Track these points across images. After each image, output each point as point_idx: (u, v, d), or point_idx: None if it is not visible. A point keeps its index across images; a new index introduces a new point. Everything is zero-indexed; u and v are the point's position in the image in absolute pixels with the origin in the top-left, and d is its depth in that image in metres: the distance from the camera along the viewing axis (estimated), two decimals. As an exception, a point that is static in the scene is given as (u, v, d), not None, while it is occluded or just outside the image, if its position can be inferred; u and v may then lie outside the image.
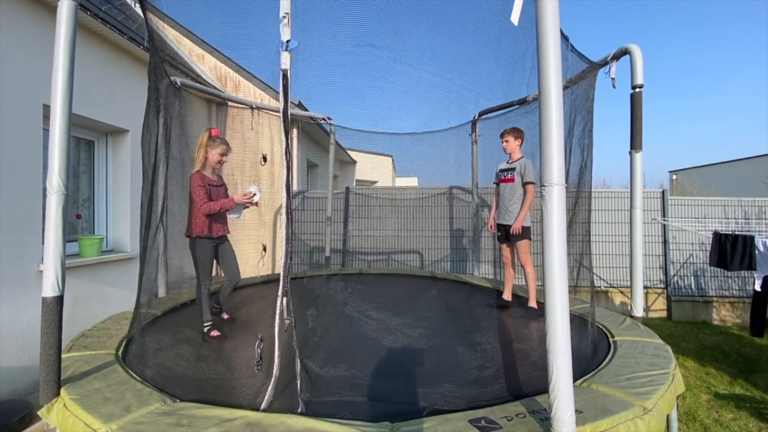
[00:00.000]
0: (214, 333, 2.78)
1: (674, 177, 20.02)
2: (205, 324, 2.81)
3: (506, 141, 3.56)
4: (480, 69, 3.18)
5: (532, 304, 3.43)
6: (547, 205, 1.39)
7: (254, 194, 2.86)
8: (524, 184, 3.43)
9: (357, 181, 12.39)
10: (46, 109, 3.22)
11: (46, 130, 3.23)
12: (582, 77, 2.98)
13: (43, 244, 3.22)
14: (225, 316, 3.15)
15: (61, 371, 1.82)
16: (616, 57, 2.91)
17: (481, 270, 5.61)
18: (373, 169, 12.94)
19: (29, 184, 3.16)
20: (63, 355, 1.89)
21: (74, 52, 1.83)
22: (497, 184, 3.72)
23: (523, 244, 3.45)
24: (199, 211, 2.76)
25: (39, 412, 1.72)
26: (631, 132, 2.87)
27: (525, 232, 3.44)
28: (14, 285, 3.03)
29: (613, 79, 2.95)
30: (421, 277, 5.13)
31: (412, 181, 10.72)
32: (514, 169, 3.51)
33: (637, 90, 2.84)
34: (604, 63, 2.94)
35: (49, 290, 1.75)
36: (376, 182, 12.89)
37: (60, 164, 1.78)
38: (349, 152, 10.51)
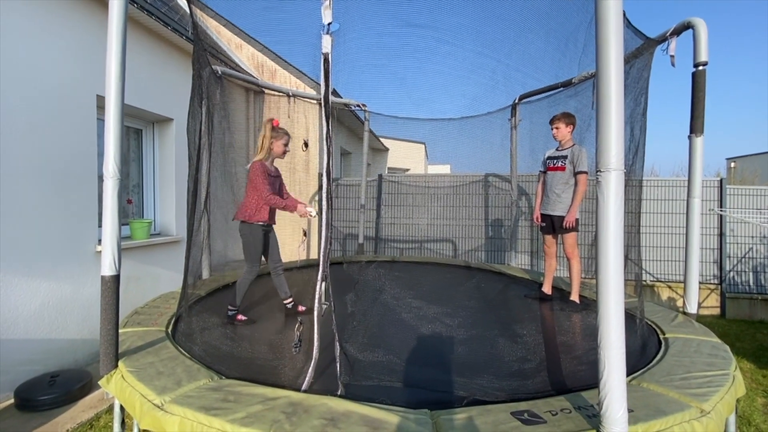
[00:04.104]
0: (240, 317, 2.84)
1: (732, 164, 18.60)
2: (231, 308, 2.84)
3: (556, 128, 3.34)
4: (529, 47, 2.98)
5: (575, 298, 3.29)
6: (603, 193, 1.30)
7: (312, 213, 2.90)
8: (576, 174, 3.24)
9: (389, 168, 12.34)
10: (100, 100, 3.40)
11: (100, 120, 3.41)
12: (637, 55, 2.77)
13: (99, 226, 3.45)
14: (301, 308, 3.11)
15: (119, 345, 1.95)
16: (677, 32, 2.68)
17: (517, 260, 5.46)
18: (405, 156, 12.83)
19: (85, 170, 3.36)
20: (119, 330, 2.02)
21: (125, 44, 1.89)
22: (544, 172, 3.53)
23: (571, 236, 3.29)
24: (262, 200, 2.81)
25: (99, 382, 1.86)
26: (691, 114, 2.65)
27: (574, 224, 3.28)
28: (74, 264, 3.26)
29: (672, 56, 2.72)
30: (455, 266, 5.07)
31: (444, 169, 10.53)
32: (565, 157, 3.30)
33: (701, 68, 2.61)
34: (663, 39, 2.70)
35: (107, 269, 1.86)
36: (408, 170, 12.79)
37: (115, 151, 1.87)
38: (381, 139, 10.46)
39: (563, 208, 3.30)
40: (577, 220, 3.28)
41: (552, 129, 3.38)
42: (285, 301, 3.07)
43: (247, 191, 2.90)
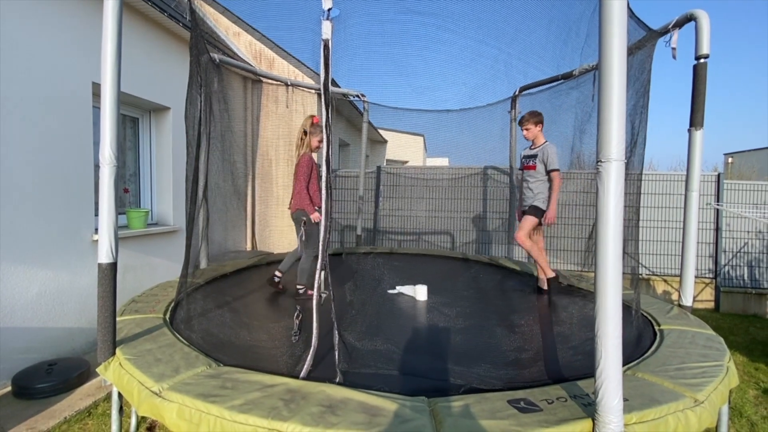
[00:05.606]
0: (310, 292, 2.98)
1: (730, 160, 18.71)
2: (299, 287, 3.13)
3: (527, 129, 3.46)
4: (531, 36, 2.98)
5: (542, 276, 3.45)
6: (603, 183, 1.30)
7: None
8: (548, 173, 3.37)
9: (387, 160, 12.31)
10: (96, 87, 3.35)
11: (96, 108, 3.37)
12: (639, 47, 2.75)
13: (96, 215, 3.43)
14: (310, 292, 3.18)
15: (116, 332, 1.94)
16: (679, 24, 2.66)
17: (514, 253, 5.48)
18: (404, 148, 12.79)
19: (82, 159, 3.33)
20: (117, 318, 2.01)
21: (121, 30, 1.86)
22: (521, 170, 3.65)
23: (527, 219, 3.42)
24: (304, 187, 3.04)
25: (97, 370, 1.86)
26: (691, 107, 2.64)
27: (535, 212, 3.41)
28: (71, 253, 3.25)
29: (673, 49, 2.71)
30: (453, 258, 5.08)
31: (442, 162, 10.51)
32: (535, 156, 3.43)
33: (702, 61, 2.60)
34: (665, 31, 2.69)
35: (104, 257, 1.85)
36: (406, 162, 12.76)
37: (111, 137, 1.84)
38: (380, 131, 10.41)
39: (534, 199, 3.47)
40: (542, 211, 3.40)
41: (522, 130, 3.49)
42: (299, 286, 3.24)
43: (296, 180, 3.12)
